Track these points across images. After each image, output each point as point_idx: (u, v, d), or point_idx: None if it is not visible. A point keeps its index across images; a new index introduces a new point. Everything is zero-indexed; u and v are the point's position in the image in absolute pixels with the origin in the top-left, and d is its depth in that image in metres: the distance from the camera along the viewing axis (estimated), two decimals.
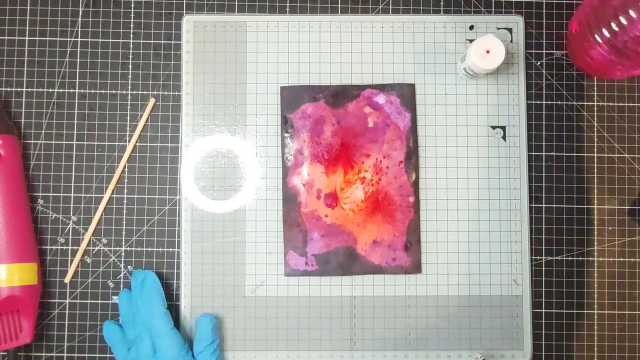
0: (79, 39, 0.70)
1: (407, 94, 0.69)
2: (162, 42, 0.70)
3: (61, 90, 0.69)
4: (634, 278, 0.69)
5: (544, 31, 0.70)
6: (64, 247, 0.68)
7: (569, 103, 0.70)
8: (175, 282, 0.68)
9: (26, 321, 0.65)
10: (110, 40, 0.70)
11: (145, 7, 0.70)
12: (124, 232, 0.69)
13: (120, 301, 0.66)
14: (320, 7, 0.70)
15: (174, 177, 0.69)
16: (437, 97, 0.69)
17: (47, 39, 0.69)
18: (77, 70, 0.69)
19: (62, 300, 0.68)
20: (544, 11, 0.70)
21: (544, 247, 0.69)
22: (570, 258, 0.69)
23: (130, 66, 0.70)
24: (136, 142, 0.69)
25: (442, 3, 0.70)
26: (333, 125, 0.69)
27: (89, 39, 0.70)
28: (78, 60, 0.70)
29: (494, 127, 0.69)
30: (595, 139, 0.70)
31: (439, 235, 0.68)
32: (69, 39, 0.70)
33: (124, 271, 0.68)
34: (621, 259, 0.69)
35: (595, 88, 0.70)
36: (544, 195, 0.69)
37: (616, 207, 0.69)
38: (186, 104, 0.69)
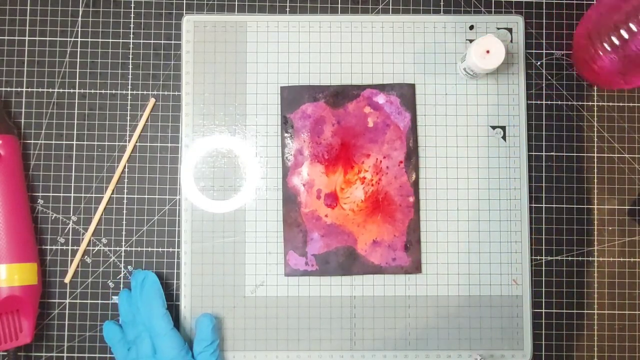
0: (79, 39, 0.70)
1: (407, 94, 0.69)
2: (162, 42, 0.70)
3: (61, 90, 0.69)
4: (634, 278, 0.69)
5: (544, 31, 0.70)
6: (64, 247, 0.68)
7: (569, 103, 0.70)
8: (175, 282, 0.68)
9: (26, 321, 0.65)
10: (110, 40, 0.70)
11: (145, 7, 0.70)
12: (124, 232, 0.69)
13: (120, 301, 0.66)
14: (320, 7, 0.70)
15: (174, 177, 0.69)
16: (437, 97, 0.69)
17: (47, 39, 0.69)
18: (77, 70, 0.69)
19: (62, 300, 0.68)
20: (544, 11, 0.70)
21: (544, 247, 0.69)
22: (570, 258, 0.69)
23: (130, 66, 0.70)
24: (136, 142, 0.69)
25: (442, 3, 0.70)
26: (333, 125, 0.69)
27: (89, 39, 0.70)
28: (78, 60, 0.70)
29: (494, 127, 0.69)
30: (595, 139, 0.70)
31: (439, 235, 0.68)
32: (69, 39, 0.70)
33: (124, 271, 0.68)
34: (621, 259, 0.69)
35: (595, 88, 0.70)
36: (544, 195, 0.69)
37: (616, 207, 0.69)
38: (186, 104, 0.69)
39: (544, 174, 0.69)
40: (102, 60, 0.70)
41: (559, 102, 0.70)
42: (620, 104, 0.70)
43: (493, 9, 0.70)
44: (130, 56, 0.70)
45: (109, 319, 0.68)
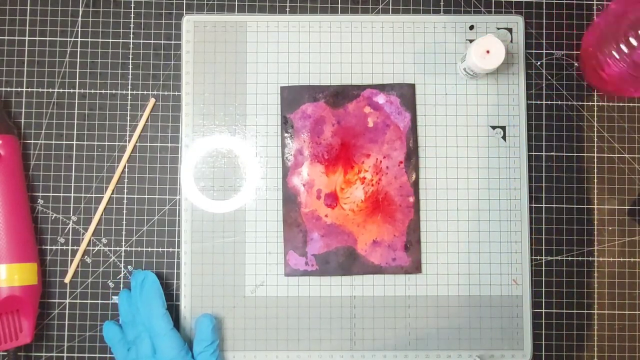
0: (79, 39, 0.70)
1: (407, 94, 0.69)
2: (162, 42, 0.70)
3: (61, 90, 0.69)
4: (634, 278, 0.69)
5: (544, 31, 0.70)
6: (64, 247, 0.68)
7: (569, 103, 0.70)
8: (175, 282, 0.68)
9: (26, 321, 0.65)
10: (110, 40, 0.70)
11: (145, 7, 0.70)
12: (124, 232, 0.69)
13: (120, 301, 0.66)
14: (320, 7, 0.70)
15: (174, 177, 0.69)
16: (437, 97, 0.69)
17: (47, 39, 0.69)
18: (77, 70, 0.69)
19: (62, 300, 0.68)
20: (544, 11, 0.70)
21: (544, 247, 0.69)
22: (570, 258, 0.69)
23: (130, 66, 0.70)
24: (136, 142, 0.69)
25: (442, 3, 0.70)
26: (333, 125, 0.69)
27: (89, 39, 0.70)
28: (78, 60, 0.70)
29: (494, 127, 0.69)
30: (595, 139, 0.70)
31: (439, 235, 0.68)
32: (69, 39, 0.70)
33: (124, 271, 0.68)
34: (621, 259, 0.69)
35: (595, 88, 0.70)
36: (544, 195, 0.69)
37: (616, 207, 0.69)
38: (186, 104, 0.69)
39: (544, 174, 0.69)
40: (102, 60, 0.70)
41: (559, 102, 0.70)
42: (620, 104, 0.70)
43: (493, 9, 0.70)
44: (130, 56, 0.70)
45: (109, 319, 0.68)
